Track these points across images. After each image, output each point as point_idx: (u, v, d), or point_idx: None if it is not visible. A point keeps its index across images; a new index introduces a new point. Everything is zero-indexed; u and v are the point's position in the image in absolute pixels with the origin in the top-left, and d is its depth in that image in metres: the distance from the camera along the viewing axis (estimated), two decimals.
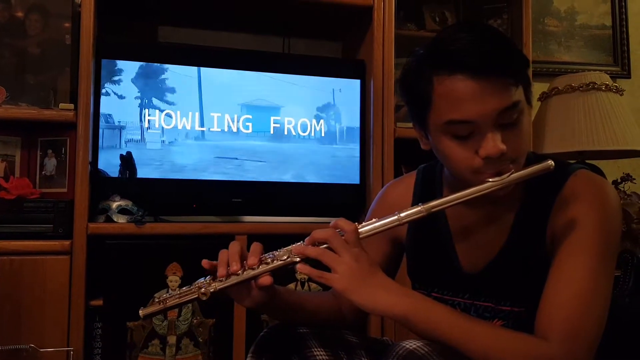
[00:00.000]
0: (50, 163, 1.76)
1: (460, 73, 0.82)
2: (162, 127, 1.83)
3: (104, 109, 1.77)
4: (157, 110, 1.83)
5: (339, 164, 1.99)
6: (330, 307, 1.06)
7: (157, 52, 1.89)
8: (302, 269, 0.86)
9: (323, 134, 1.98)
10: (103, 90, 1.78)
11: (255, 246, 0.91)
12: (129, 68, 1.81)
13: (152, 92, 1.83)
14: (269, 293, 0.91)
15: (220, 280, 0.88)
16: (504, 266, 0.93)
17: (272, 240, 0.98)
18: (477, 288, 0.96)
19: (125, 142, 1.79)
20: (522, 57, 0.88)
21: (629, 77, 2.65)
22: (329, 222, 0.89)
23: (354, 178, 1.99)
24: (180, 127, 1.85)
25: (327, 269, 0.85)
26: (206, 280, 0.90)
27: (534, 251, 0.91)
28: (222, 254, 0.90)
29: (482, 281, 0.95)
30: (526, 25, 2.10)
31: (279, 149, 1.94)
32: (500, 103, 0.82)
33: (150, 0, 1.95)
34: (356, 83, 2.01)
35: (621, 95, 2.14)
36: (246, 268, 0.88)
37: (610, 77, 2.20)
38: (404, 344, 0.81)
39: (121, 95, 1.80)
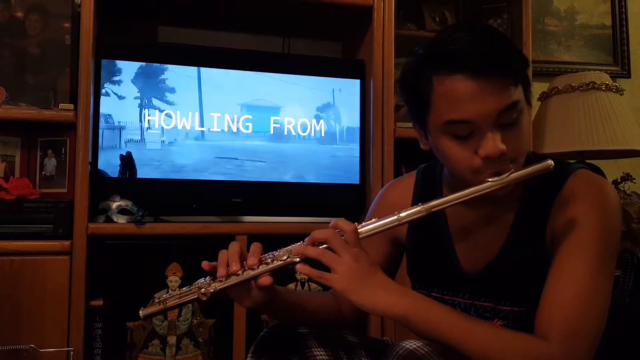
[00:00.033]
0: (50, 163, 1.76)
1: (459, 73, 0.82)
2: (162, 127, 1.83)
3: (103, 109, 1.77)
4: (157, 111, 1.83)
5: (339, 164, 1.98)
6: (330, 307, 1.06)
7: (157, 52, 1.89)
8: (302, 269, 0.86)
9: (323, 134, 1.98)
10: (103, 91, 1.77)
11: (255, 246, 0.91)
12: (128, 68, 1.81)
13: (152, 92, 1.83)
14: (268, 293, 0.91)
15: (220, 281, 0.89)
16: (504, 266, 0.93)
17: (272, 241, 0.98)
18: (477, 288, 0.96)
19: (125, 142, 1.79)
20: (521, 57, 0.88)
21: (629, 77, 2.65)
22: (329, 222, 0.89)
23: (353, 178, 1.98)
24: (180, 127, 1.85)
25: (327, 269, 0.85)
26: (206, 281, 0.90)
27: (533, 251, 0.91)
28: (222, 254, 0.90)
29: (482, 281, 0.95)
30: (526, 25, 2.10)
31: (279, 149, 1.94)
32: (499, 103, 0.82)
33: (150, 1, 1.95)
34: (356, 83, 2.01)
35: (621, 95, 2.14)
36: (246, 268, 0.88)
37: (610, 76, 2.20)
38: (404, 344, 0.81)
39: (121, 96, 1.80)
